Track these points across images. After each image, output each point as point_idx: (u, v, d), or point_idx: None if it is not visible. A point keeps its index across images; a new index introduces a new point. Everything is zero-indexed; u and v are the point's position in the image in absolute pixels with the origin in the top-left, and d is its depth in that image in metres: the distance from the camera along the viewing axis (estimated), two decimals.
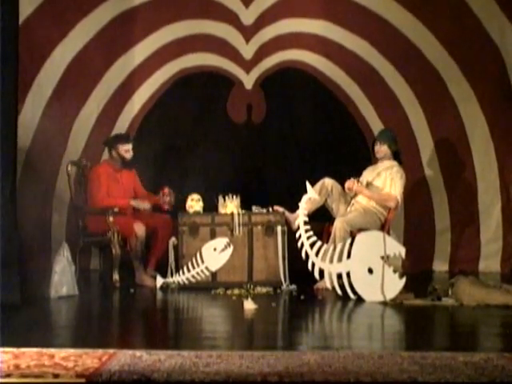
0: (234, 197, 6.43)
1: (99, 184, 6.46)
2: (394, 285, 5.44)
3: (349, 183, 6.30)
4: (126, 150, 6.58)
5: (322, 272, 5.70)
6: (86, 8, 7.39)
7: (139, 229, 6.31)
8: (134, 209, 6.53)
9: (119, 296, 6.06)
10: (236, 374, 3.09)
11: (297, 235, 5.78)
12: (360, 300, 5.46)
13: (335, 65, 7.63)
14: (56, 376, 3.05)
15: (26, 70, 6.97)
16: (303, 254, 5.72)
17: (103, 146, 6.85)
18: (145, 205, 6.51)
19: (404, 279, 5.44)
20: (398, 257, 5.61)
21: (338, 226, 6.00)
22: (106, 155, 7.49)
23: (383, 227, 6.30)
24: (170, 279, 6.16)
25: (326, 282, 5.66)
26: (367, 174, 6.48)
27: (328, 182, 6.38)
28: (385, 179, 6.33)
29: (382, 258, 5.49)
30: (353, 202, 6.38)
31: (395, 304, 5.32)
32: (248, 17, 7.65)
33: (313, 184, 6.06)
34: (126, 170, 6.63)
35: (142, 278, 6.33)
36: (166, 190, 6.53)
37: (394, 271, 5.50)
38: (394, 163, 6.43)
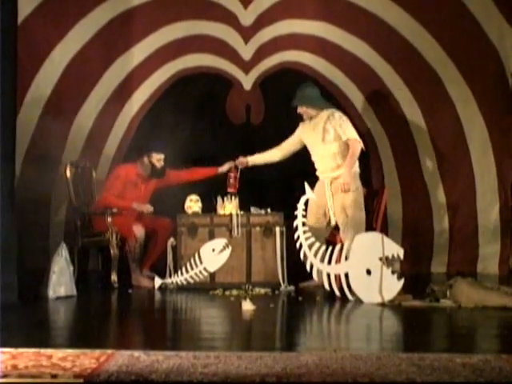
0: (233, 198, 6.44)
1: (111, 184, 6.49)
2: (393, 286, 5.44)
3: (341, 189, 6.09)
4: (158, 159, 6.55)
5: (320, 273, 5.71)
6: (85, 8, 7.39)
7: (138, 231, 6.32)
8: (138, 212, 6.52)
9: (117, 296, 6.06)
10: (234, 375, 3.09)
11: (295, 236, 5.77)
12: (358, 301, 5.46)
13: (333, 66, 7.63)
14: (54, 376, 3.05)
15: (25, 71, 6.98)
16: (301, 255, 5.72)
17: (137, 151, 6.72)
18: (146, 207, 6.50)
19: (402, 280, 5.44)
20: (397, 258, 5.61)
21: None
22: (105, 155, 7.51)
23: (377, 216, 6.41)
24: (168, 280, 6.16)
25: (324, 283, 5.66)
26: (310, 134, 6.28)
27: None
28: (334, 131, 6.15)
29: (381, 259, 5.49)
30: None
31: (393, 305, 5.32)
32: (247, 18, 7.65)
33: (311, 185, 6.05)
34: (152, 180, 6.58)
35: (139, 280, 6.33)
36: (232, 174, 6.54)
37: (393, 272, 5.51)
38: (330, 111, 6.26)
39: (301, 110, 6.33)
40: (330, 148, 6.19)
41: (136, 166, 6.59)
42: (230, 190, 6.54)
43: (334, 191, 6.17)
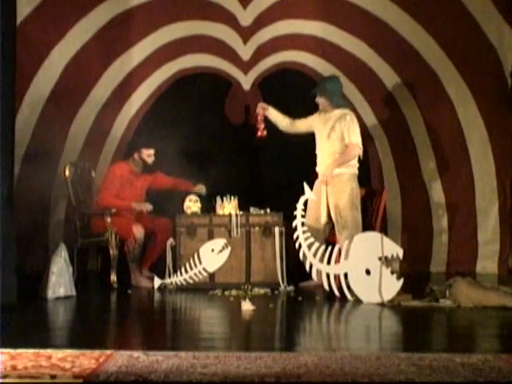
0: (232, 198, 6.44)
1: (109, 184, 6.49)
2: (392, 286, 5.44)
3: (323, 181, 6.20)
4: (149, 154, 6.57)
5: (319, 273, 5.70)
6: (84, 9, 7.39)
7: (138, 231, 6.32)
8: (137, 212, 6.52)
9: (117, 297, 6.06)
10: (233, 375, 3.09)
11: (294, 236, 5.77)
12: (357, 301, 5.46)
13: (333, 66, 7.63)
14: (53, 377, 3.05)
15: (24, 71, 6.97)
16: (301, 255, 5.72)
17: (127, 147, 6.77)
18: (146, 206, 6.51)
19: (401, 280, 5.45)
20: (396, 258, 5.61)
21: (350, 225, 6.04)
22: (104, 155, 7.50)
23: (377, 216, 6.39)
24: (167, 280, 6.16)
25: (324, 283, 5.66)
26: (320, 128, 6.34)
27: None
28: (341, 132, 6.21)
29: (380, 259, 5.49)
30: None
31: (393, 305, 5.32)
32: (246, 18, 7.65)
33: (311, 186, 6.05)
34: (144, 174, 6.61)
35: (138, 280, 6.33)
36: (259, 116, 6.50)
37: (392, 272, 5.51)
38: (345, 111, 6.31)
39: (319, 100, 6.39)
40: (333, 146, 6.23)
41: (128, 163, 6.61)
42: (260, 133, 6.50)
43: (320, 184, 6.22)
